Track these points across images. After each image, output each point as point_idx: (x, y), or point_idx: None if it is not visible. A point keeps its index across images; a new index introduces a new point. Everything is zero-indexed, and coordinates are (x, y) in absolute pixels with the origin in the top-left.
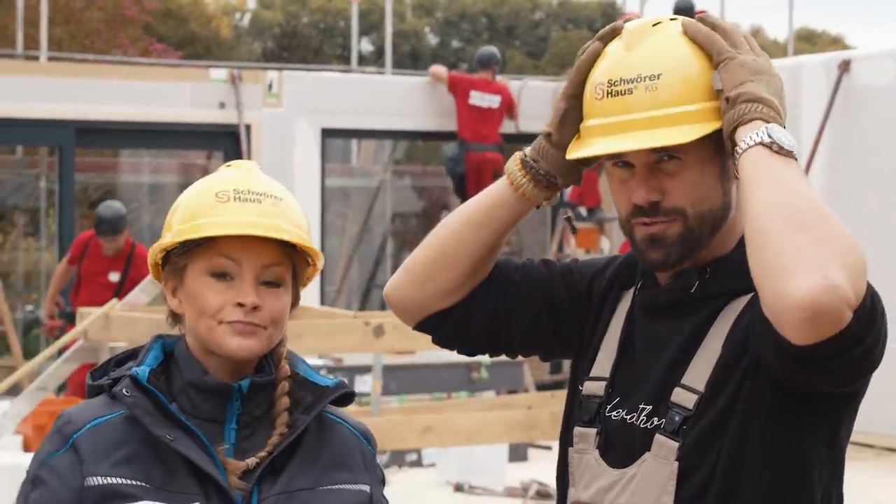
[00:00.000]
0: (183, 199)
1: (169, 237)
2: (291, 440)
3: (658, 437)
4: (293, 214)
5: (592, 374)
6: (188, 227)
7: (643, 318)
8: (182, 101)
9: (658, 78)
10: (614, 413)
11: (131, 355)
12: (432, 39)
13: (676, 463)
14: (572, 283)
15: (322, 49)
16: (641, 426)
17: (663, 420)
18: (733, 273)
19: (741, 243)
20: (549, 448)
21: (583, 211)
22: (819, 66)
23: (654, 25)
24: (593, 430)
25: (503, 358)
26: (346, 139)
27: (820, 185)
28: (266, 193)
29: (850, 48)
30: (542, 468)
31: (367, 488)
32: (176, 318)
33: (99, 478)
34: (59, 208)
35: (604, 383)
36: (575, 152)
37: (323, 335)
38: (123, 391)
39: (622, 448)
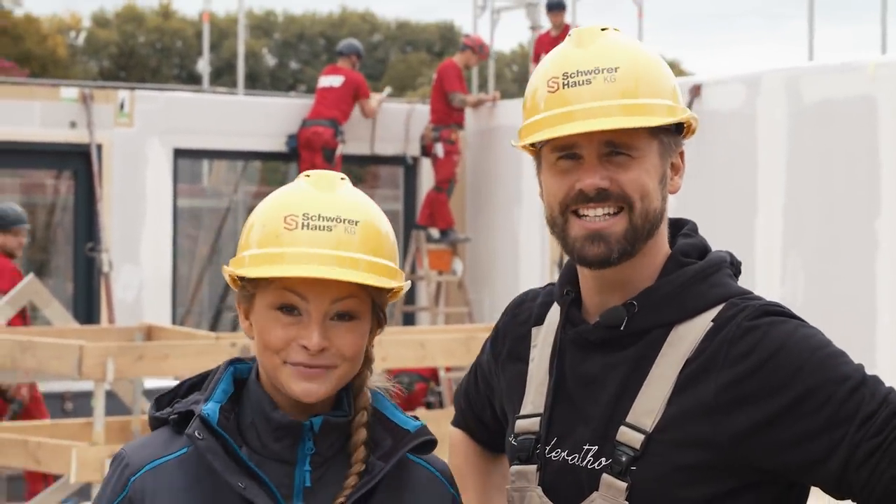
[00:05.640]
0: (257, 216)
1: (236, 267)
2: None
3: (605, 478)
4: (371, 240)
5: (523, 411)
6: (252, 258)
7: (573, 354)
8: (31, 120)
9: (616, 71)
10: (553, 454)
11: (200, 381)
12: (270, 60)
13: (626, 503)
14: (486, 377)
15: (160, 69)
16: (588, 467)
17: (610, 460)
18: (662, 304)
19: (664, 273)
20: None
21: (434, 233)
22: None
23: (602, 30)
24: (532, 468)
25: None
26: (198, 159)
27: (671, 208)
28: (339, 218)
29: (687, 74)
30: None
31: None
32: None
33: None
34: None
35: (537, 419)
36: (539, 134)
37: (189, 356)
38: (196, 433)
39: (566, 489)
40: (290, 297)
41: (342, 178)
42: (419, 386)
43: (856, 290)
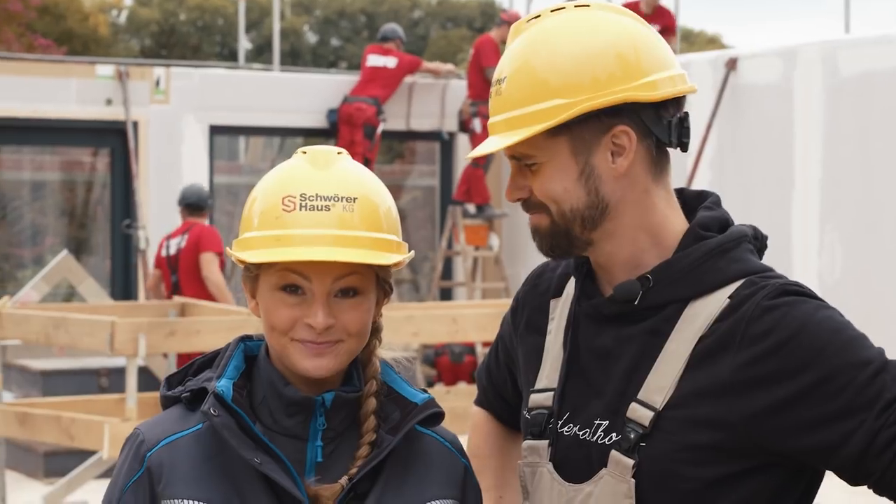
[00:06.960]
0: (258, 194)
1: (239, 250)
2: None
3: (613, 454)
4: (370, 215)
5: (538, 385)
6: (253, 241)
7: (587, 327)
8: (68, 97)
9: (502, 82)
10: (566, 429)
11: (210, 360)
12: (311, 37)
13: (633, 480)
14: (507, 350)
15: (201, 47)
16: (599, 442)
17: (620, 436)
18: (678, 279)
19: (682, 247)
20: None
21: (471, 208)
22: (706, 64)
23: (528, 22)
24: (544, 443)
25: None
26: (234, 136)
27: (707, 181)
28: (336, 196)
29: (728, 47)
30: None
31: None
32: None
33: (176, 500)
34: None
35: (551, 394)
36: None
37: (220, 332)
38: (212, 411)
39: (577, 464)
40: (293, 277)
41: (339, 153)
42: (468, 358)
43: (893, 263)
